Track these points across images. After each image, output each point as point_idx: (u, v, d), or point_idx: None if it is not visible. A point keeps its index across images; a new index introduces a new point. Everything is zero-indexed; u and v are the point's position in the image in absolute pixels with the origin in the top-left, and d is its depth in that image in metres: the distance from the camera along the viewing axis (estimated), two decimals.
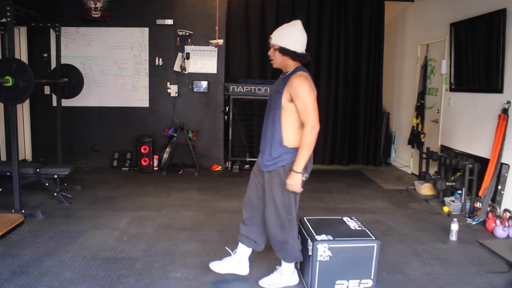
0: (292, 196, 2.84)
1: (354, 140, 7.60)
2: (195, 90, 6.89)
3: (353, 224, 3.19)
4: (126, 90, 6.87)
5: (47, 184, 4.81)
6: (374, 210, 4.97)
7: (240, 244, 3.11)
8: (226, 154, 7.11)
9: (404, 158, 7.35)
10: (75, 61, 6.42)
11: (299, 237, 3.17)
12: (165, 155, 6.65)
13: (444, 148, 5.79)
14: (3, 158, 5.86)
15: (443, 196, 5.26)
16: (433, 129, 6.26)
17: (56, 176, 4.86)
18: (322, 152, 7.46)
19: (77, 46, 6.71)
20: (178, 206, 4.91)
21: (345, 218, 3.31)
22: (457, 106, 5.64)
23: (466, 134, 5.37)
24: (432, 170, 5.88)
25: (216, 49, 6.79)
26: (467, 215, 4.71)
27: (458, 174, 5.15)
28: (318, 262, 2.87)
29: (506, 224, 4.15)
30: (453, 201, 4.97)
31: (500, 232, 4.13)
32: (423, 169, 5.91)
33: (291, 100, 2.71)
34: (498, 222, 4.24)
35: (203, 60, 6.85)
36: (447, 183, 5.16)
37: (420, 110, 6.39)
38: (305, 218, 3.26)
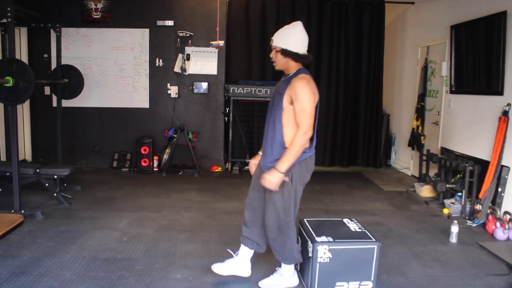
0: (292, 198, 2.84)
1: (354, 141, 7.59)
2: (195, 91, 6.89)
3: (353, 225, 3.19)
4: (126, 91, 6.87)
5: (47, 184, 4.81)
6: (374, 212, 4.97)
7: (242, 246, 3.11)
8: (226, 155, 7.11)
9: (404, 160, 7.35)
10: (76, 61, 6.43)
11: (299, 238, 3.17)
12: (165, 156, 6.65)
13: (444, 150, 5.79)
14: (3, 159, 5.86)
15: (443, 198, 5.25)
16: (433, 131, 6.26)
17: (56, 176, 4.86)
18: (322, 153, 7.46)
19: (78, 46, 6.72)
20: (178, 207, 4.91)
21: (345, 220, 3.31)
22: (457, 108, 5.64)
23: (467, 136, 5.37)
24: (432, 172, 5.88)
25: (216, 50, 6.80)
26: (467, 217, 4.71)
27: (458, 176, 5.15)
28: (318, 264, 2.86)
29: (506, 226, 4.15)
30: (453, 203, 4.97)
31: (500, 234, 4.12)
32: (423, 171, 5.92)
33: (292, 102, 2.71)
34: (498, 224, 4.24)
35: (203, 61, 6.85)
36: (447, 185, 5.16)
37: (420, 112, 6.39)
38: (305, 220, 3.26)
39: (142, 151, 6.62)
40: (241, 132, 7.09)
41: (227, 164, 7.06)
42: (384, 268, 3.36)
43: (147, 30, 6.76)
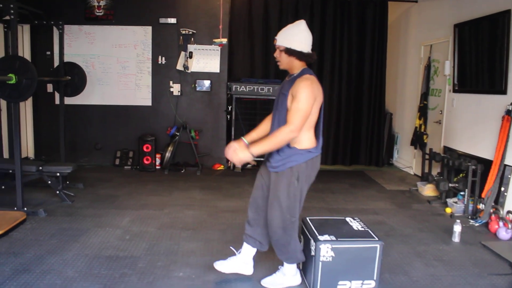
0: (298, 198, 2.84)
1: (356, 140, 7.58)
2: (197, 89, 6.89)
3: (355, 224, 3.19)
4: (128, 89, 6.87)
5: (49, 182, 4.81)
6: (377, 211, 4.97)
7: (245, 244, 3.11)
8: None
9: (407, 159, 7.34)
10: (78, 59, 6.43)
11: (301, 237, 3.17)
12: (168, 154, 6.65)
13: (447, 149, 5.78)
14: (6, 156, 5.87)
15: (446, 197, 5.25)
16: (436, 130, 6.24)
17: (58, 174, 4.86)
18: (324, 152, 7.45)
19: (80, 44, 6.72)
20: (181, 205, 4.91)
21: (347, 219, 3.31)
22: (460, 107, 5.63)
23: (469, 135, 5.35)
24: (435, 171, 5.87)
25: (219, 48, 6.79)
26: (470, 217, 4.70)
27: (461, 175, 5.14)
28: (320, 263, 2.86)
29: (509, 226, 4.13)
30: (455, 202, 4.96)
31: (503, 234, 4.11)
32: (426, 170, 5.91)
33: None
34: (501, 223, 4.23)
35: (206, 59, 6.85)
36: (450, 184, 5.15)
37: (423, 111, 6.38)
38: (307, 219, 3.25)
39: (145, 149, 6.62)
40: (243, 130, 7.06)
41: (229, 162, 7.06)
42: (386, 267, 3.36)
43: (150, 27, 6.76)
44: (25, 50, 6.57)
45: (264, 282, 3.05)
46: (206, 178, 6.33)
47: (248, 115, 7.11)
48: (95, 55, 6.77)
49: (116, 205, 4.83)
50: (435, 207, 5.19)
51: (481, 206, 4.63)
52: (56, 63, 6.18)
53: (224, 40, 6.68)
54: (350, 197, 5.53)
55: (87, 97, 6.63)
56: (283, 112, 2.76)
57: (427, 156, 5.89)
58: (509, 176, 4.49)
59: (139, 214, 4.54)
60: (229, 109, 6.93)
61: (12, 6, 4.15)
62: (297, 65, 2.82)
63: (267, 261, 3.37)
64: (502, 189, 4.52)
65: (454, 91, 5.73)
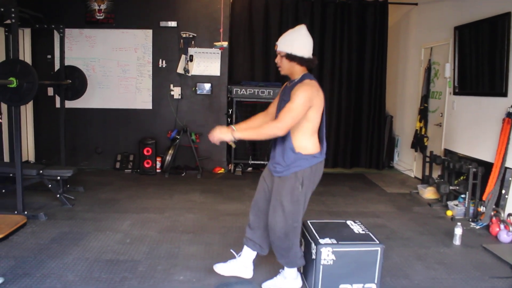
0: (301, 204, 2.84)
1: (357, 143, 7.58)
2: (198, 92, 6.89)
3: (356, 227, 3.18)
4: (129, 92, 6.87)
5: (50, 185, 4.82)
6: (377, 214, 4.96)
7: (245, 247, 3.11)
8: (229, 157, 7.10)
9: (407, 162, 7.33)
10: (79, 62, 6.44)
11: (302, 240, 3.16)
12: (168, 157, 6.66)
13: (447, 152, 5.77)
14: (7, 159, 5.87)
15: (447, 200, 5.24)
16: (436, 133, 6.24)
17: (59, 177, 4.86)
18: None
19: (81, 47, 6.73)
20: (181, 209, 4.90)
21: (348, 222, 3.30)
22: (461, 110, 5.63)
23: (470, 137, 5.35)
24: (436, 173, 5.87)
25: (219, 51, 6.80)
26: (470, 220, 4.69)
27: (461, 178, 5.13)
28: (321, 266, 2.86)
29: (510, 228, 4.13)
30: (456, 205, 4.95)
31: (504, 236, 4.10)
32: (427, 173, 5.90)
33: None
34: (502, 226, 4.22)
35: (206, 63, 6.85)
36: (451, 187, 5.14)
37: (423, 114, 6.38)
38: (308, 222, 3.25)
39: (145, 152, 6.62)
40: None
41: (230, 165, 7.06)
42: (387, 270, 3.35)
43: (150, 31, 6.77)
44: (26, 54, 6.58)
45: (265, 285, 3.05)
46: (206, 182, 6.32)
47: (248, 118, 7.08)
48: (96, 59, 6.77)
49: (116, 209, 4.82)
50: (436, 210, 5.19)
51: (482, 208, 4.62)
52: (57, 66, 6.19)
53: (225, 44, 6.69)
54: (351, 200, 5.52)
55: (88, 101, 6.63)
56: None
57: (427, 159, 5.88)
58: (510, 178, 4.49)
59: (140, 217, 4.54)
60: (230, 112, 6.93)
61: (13, 10, 4.16)
62: (298, 71, 2.82)
63: (268, 264, 3.36)
64: (503, 191, 4.51)
65: (455, 93, 5.73)
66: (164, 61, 6.82)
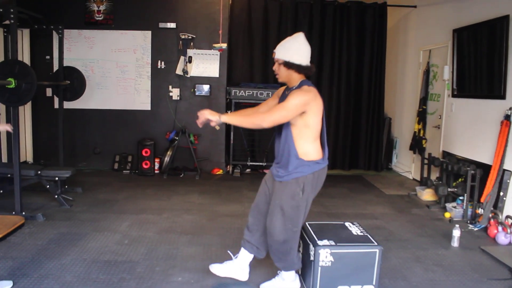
0: (302, 209, 2.83)
1: (355, 144, 7.58)
2: (197, 93, 6.89)
3: (355, 229, 3.18)
4: (128, 93, 6.87)
5: (48, 186, 4.81)
6: (376, 216, 4.96)
7: (242, 249, 3.10)
8: (227, 158, 7.10)
9: (406, 164, 7.34)
10: (78, 63, 6.44)
11: (300, 242, 3.16)
12: (167, 159, 6.65)
13: (446, 154, 5.78)
14: (5, 160, 5.86)
15: (445, 202, 5.24)
16: (435, 135, 6.25)
17: (57, 178, 4.86)
18: None
19: (80, 48, 6.73)
20: (179, 210, 4.90)
21: (347, 223, 3.30)
22: (459, 112, 5.64)
23: (468, 140, 5.36)
24: (434, 175, 5.87)
25: (218, 53, 6.81)
26: (468, 221, 4.70)
27: (459, 180, 5.14)
28: (320, 268, 2.85)
29: (508, 230, 4.13)
30: (454, 207, 4.95)
31: (502, 238, 4.11)
32: (425, 175, 5.91)
33: (299, 114, 2.71)
34: (500, 228, 4.22)
35: (205, 64, 6.86)
36: (449, 189, 5.15)
37: (422, 116, 6.38)
38: (307, 223, 3.24)
39: (144, 153, 6.62)
40: (242, 135, 7.08)
41: (228, 166, 7.06)
42: (385, 272, 3.35)
43: (149, 32, 6.77)
44: (24, 55, 6.57)
45: (263, 286, 3.04)
46: (205, 183, 6.32)
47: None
48: (95, 60, 6.77)
49: (114, 210, 4.82)
50: (434, 211, 5.19)
51: (480, 210, 4.62)
52: (56, 67, 6.18)
53: (224, 45, 6.70)
54: (349, 202, 5.53)
55: (86, 102, 6.63)
56: (288, 127, 2.78)
57: (426, 161, 5.89)
58: (508, 180, 4.50)
59: (138, 218, 4.53)
60: (228, 113, 6.92)
61: (12, 10, 4.15)
62: (296, 78, 2.83)
63: (266, 266, 3.36)
64: (501, 193, 4.52)
65: (453, 96, 5.75)
66: (163, 62, 6.82)
